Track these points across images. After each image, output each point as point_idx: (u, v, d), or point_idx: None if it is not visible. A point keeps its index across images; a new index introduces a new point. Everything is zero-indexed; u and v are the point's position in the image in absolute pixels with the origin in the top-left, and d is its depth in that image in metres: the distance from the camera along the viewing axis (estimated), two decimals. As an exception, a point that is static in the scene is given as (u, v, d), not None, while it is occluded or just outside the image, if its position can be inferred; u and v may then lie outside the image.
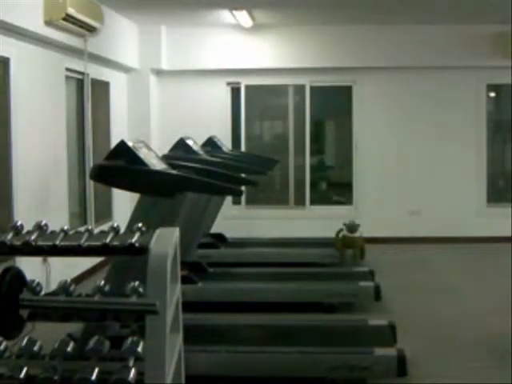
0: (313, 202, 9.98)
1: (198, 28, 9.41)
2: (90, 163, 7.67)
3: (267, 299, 6.28)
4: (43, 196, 6.60)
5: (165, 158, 5.02)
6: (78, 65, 7.42)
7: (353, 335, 5.02)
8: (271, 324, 5.34)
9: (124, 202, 7.82)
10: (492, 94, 10.05)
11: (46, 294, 2.52)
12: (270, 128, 10.90)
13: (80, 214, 7.87)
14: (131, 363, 2.46)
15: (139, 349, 2.50)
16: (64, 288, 2.50)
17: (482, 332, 5.54)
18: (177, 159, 5.42)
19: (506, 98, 9.93)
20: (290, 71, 9.77)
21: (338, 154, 10.73)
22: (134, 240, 2.55)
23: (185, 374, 2.99)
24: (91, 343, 2.58)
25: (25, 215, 5.70)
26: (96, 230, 2.73)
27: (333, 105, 10.56)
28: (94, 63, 7.83)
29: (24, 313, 2.50)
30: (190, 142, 6.53)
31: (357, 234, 8.37)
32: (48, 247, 2.55)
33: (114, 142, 7.48)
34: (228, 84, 9.96)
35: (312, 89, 9.87)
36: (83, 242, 2.57)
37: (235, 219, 9.61)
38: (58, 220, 6.08)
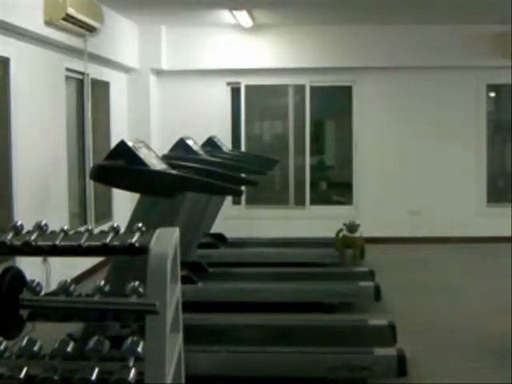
0: (313, 202, 9.98)
1: (198, 28, 9.41)
2: (90, 163, 7.67)
3: (267, 299, 6.28)
4: (43, 196, 6.60)
5: (165, 158, 5.02)
6: (77, 65, 7.42)
7: (353, 335, 5.02)
8: (271, 324, 5.34)
9: (124, 202, 7.82)
10: (492, 94, 10.05)
11: (46, 294, 2.52)
12: (270, 128, 10.89)
13: (80, 213, 7.87)
14: (131, 363, 2.46)
15: (139, 349, 2.50)
16: (64, 288, 2.50)
17: (482, 332, 5.54)
18: (177, 159, 5.42)
19: (506, 98, 9.93)
20: (290, 71, 9.76)
21: (338, 153, 10.73)
22: (133, 240, 2.55)
23: (185, 373, 2.99)
24: (91, 343, 2.58)
25: (25, 215, 5.70)
26: (96, 230, 2.73)
27: (333, 105, 10.56)
28: (93, 63, 7.83)
29: (24, 313, 2.50)
30: (189, 142, 6.52)
31: (357, 234, 8.36)
32: (48, 247, 2.55)
33: (114, 142, 7.47)
34: (228, 84, 9.96)
35: (312, 89, 9.87)
36: (83, 242, 2.57)
37: (235, 219, 9.60)
38: (58, 220, 6.08)
